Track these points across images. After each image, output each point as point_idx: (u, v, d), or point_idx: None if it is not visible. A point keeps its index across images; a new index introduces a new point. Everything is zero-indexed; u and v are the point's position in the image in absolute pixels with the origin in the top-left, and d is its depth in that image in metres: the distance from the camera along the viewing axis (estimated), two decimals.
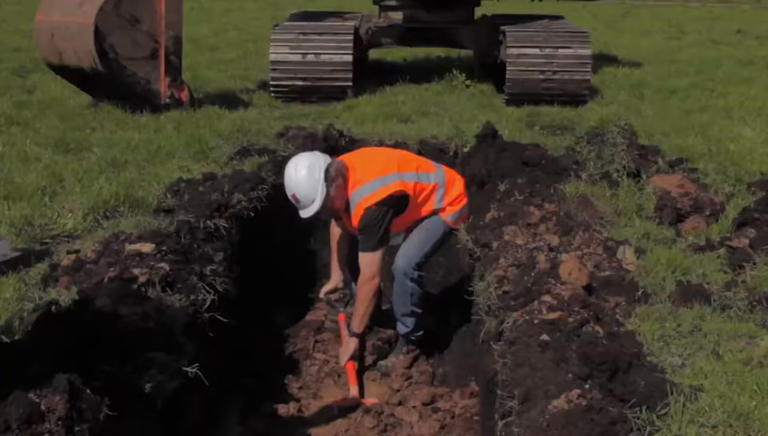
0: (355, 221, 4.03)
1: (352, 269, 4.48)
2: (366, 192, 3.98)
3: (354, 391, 4.10)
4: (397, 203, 4.07)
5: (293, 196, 3.99)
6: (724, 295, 3.53)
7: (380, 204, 3.98)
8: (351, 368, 4.21)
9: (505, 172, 5.38)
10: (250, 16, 16.87)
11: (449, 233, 4.41)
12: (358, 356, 4.39)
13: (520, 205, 4.66)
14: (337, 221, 4.45)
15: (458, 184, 4.41)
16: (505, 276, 3.83)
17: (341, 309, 4.62)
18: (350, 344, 4.23)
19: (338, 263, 4.59)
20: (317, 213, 4.01)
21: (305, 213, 4.01)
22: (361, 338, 4.31)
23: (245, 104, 7.95)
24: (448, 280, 5.25)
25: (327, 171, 3.93)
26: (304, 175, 3.91)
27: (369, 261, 4.05)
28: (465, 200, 4.41)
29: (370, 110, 7.60)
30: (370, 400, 4.09)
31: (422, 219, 4.30)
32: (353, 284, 4.48)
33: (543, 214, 4.49)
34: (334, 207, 4.05)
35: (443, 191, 4.27)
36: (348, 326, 4.34)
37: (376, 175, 4.03)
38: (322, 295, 4.68)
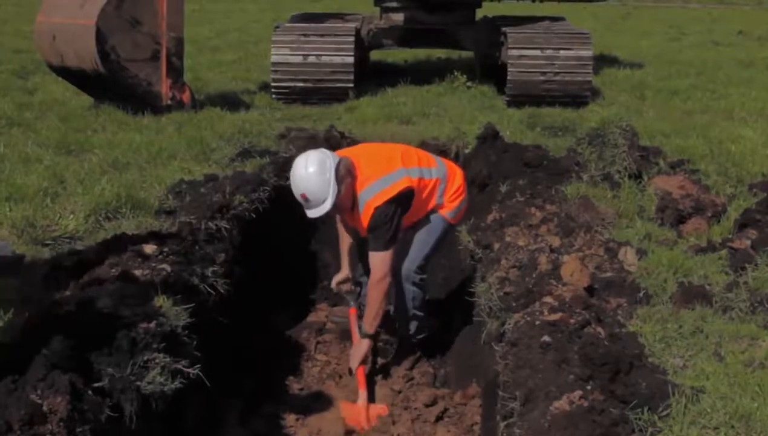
0: (365, 220, 3.95)
1: (363, 263, 4.42)
2: (374, 191, 3.90)
3: (363, 397, 4.00)
4: (405, 200, 4.02)
5: (302, 195, 3.79)
6: (726, 296, 3.53)
7: (389, 202, 3.90)
8: (361, 372, 4.12)
9: (507, 173, 5.39)
10: (251, 18, 16.87)
11: (449, 230, 4.37)
12: (371, 360, 4.33)
13: (521, 207, 4.66)
14: (341, 220, 4.41)
15: (458, 177, 4.34)
16: (507, 277, 3.83)
17: (352, 303, 4.52)
18: (363, 346, 4.13)
19: (347, 256, 4.51)
20: (327, 213, 3.87)
21: (314, 213, 3.83)
22: (374, 339, 4.20)
23: (246, 106, 7.95)
24: (450, 281, 5.25)
25: (337, 169, 3.78)
26: (315, 174, 3.73)
27: (380, 260, 3.96)
28: (464, 194, 4.33)
29: (371, 112, 7.60)
30: (378, 406, 4.03)
31: (423, 217, 4.25)
32: (364, 277, 4.43)
33: (544, 215, 4.50)
34: (343, 206, 3.94)
35: (444, 186, 4.22)
36: (360, 325, 4.27)
37: (382, 172, 3.96)
38: (333, 285, 4.56)
